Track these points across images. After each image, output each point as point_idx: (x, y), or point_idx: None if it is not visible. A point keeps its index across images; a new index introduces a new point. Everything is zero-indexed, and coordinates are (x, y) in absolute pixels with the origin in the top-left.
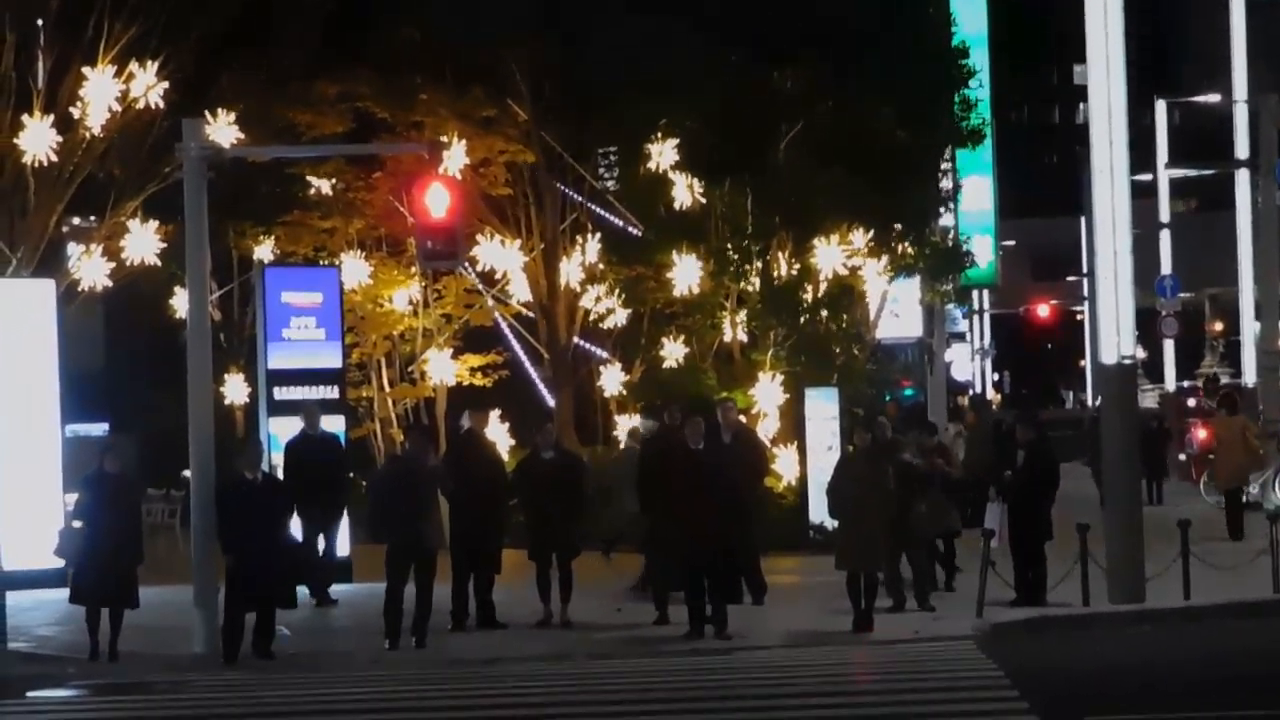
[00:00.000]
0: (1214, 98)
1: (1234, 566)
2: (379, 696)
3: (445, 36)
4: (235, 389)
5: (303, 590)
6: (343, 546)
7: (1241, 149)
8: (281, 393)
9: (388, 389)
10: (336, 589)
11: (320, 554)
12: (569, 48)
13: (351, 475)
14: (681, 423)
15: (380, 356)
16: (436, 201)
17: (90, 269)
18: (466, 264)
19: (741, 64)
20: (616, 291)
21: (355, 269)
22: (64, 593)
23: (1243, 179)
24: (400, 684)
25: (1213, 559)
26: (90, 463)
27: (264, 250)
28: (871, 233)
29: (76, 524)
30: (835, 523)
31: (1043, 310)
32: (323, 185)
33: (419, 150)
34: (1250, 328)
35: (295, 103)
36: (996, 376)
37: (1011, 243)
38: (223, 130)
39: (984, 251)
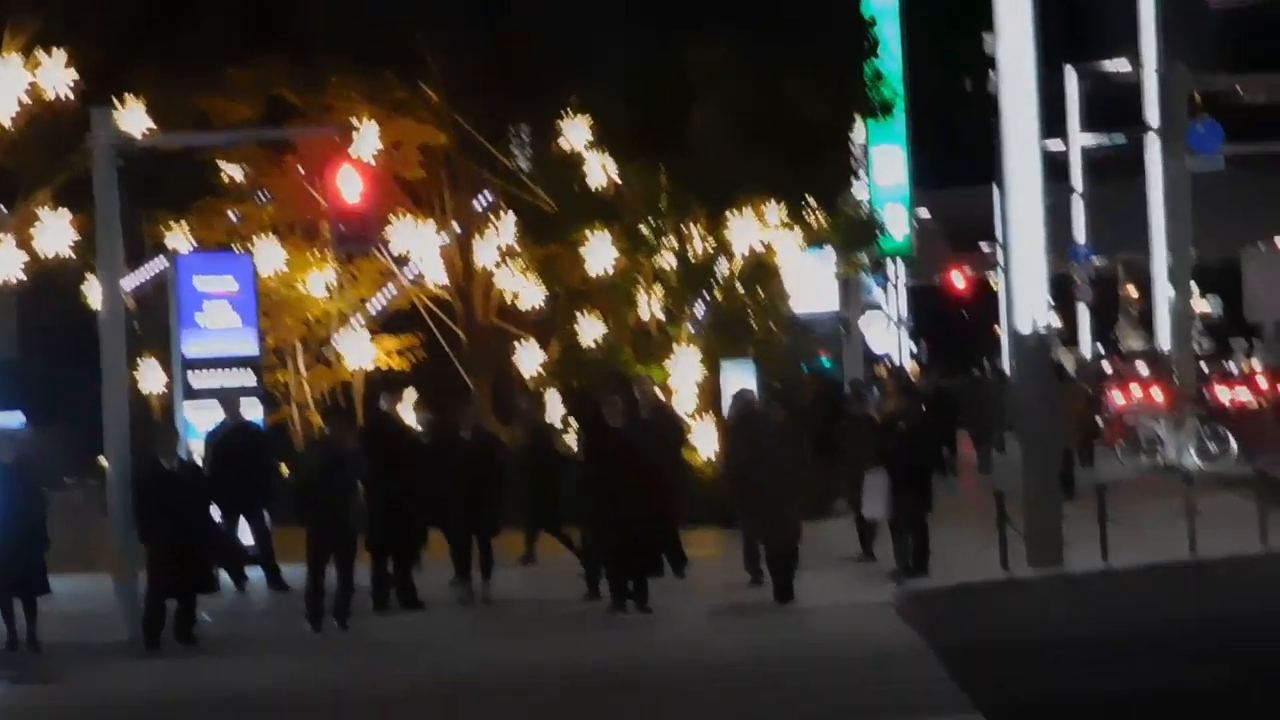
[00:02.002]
0: (1124, 64)
1: (1152, 528)
2: (302, 678)
3: (355, 14)
4: (151, 376)
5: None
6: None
7: (1152, 115)
8: (198, 379)
9: (305, 373)
10: (255, 573)
11: (255, 541)
12: (481, 25)
13: (272, 461)
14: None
15: (296, 341)
16: (349, 185)
17: (2, 260)
18: (381, 247)
19: (655, 38)
20: (532, 271)
21: (269, 254)
22: None
23: (1154, 144)
24: (323, 666)
25: (1130, 521)
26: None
27: (177, 238)
28: (785, 207)
29: None
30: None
31: (958, 280)
32: (235, 172)
33: (330, 134)
34: (1164, 293)
35: (206, 90)
36: (914, 347)
37: (926, 214)
38: (133, 118)
39: (898, 222)
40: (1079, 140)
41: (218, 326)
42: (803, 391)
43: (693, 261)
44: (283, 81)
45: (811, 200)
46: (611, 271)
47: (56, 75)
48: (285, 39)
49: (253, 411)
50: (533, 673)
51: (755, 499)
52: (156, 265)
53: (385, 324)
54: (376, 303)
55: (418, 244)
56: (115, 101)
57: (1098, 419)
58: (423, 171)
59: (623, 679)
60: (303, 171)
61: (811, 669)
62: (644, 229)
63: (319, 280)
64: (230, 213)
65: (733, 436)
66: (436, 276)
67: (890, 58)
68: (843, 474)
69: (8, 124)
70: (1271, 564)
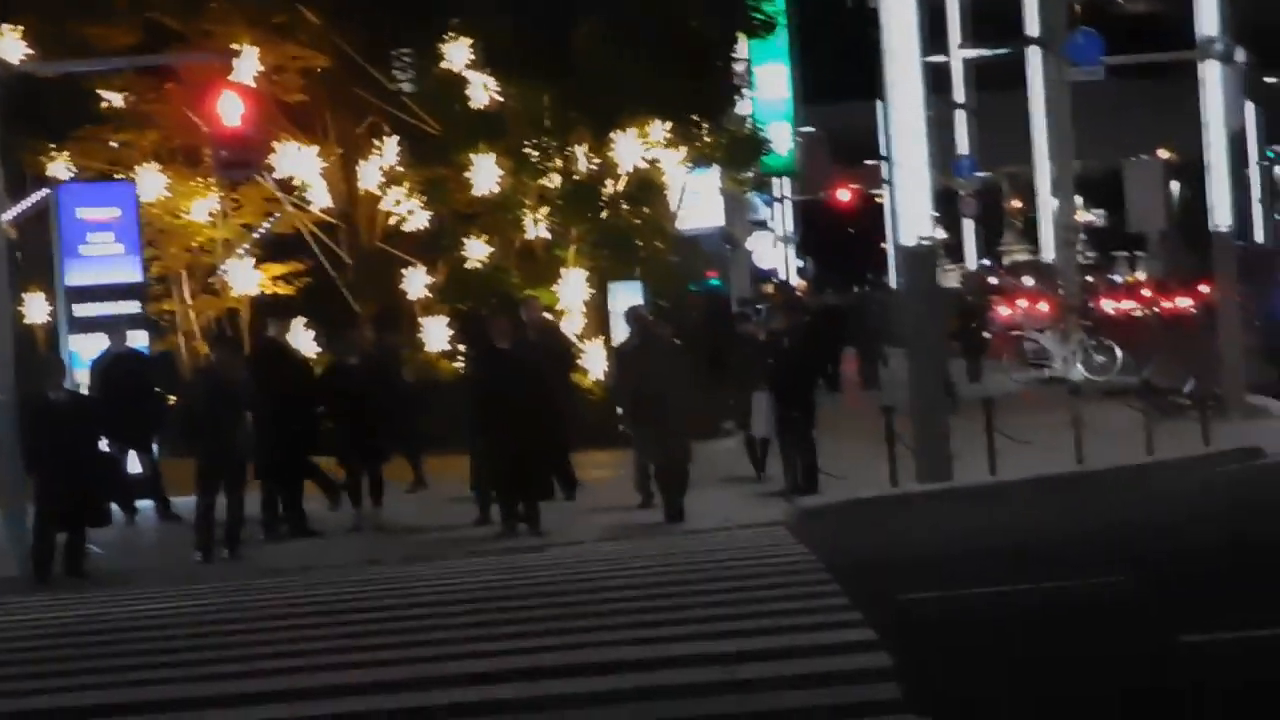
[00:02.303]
0: None
1: (1039, 441)
2: (194, 609)
3: None
4: (36, 307)
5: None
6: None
7: (1032, 26)
8: (82, 309)
9: (190, 301)
10: (145, 504)
11: (144, 471)
12: None
13: (159, 390)
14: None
15: (182, 269)
16: (230, 110)
17: None
18: (264, 172)
19: None
20: (417, 193)
21: (152, 182)
22: None
23: (1035, 56)
24: (214, 596)
25: (1017, 435)
26: None
27: (58, 167)
28: (670, 124)
29: None
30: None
31: (843, 195)
32: (115, 99)
33: (211, 59)
34: (1048, 204)
35: (85, 15)
36: (801, 263)
37: (811, 129)
38: (11, 46)
39: (782, 139)
40: (960, 53)
41: (101, 255)
42: (691, 310)
43: (578, 181)
44: (162, 6)
45: (696, 118)
46: (497, 192)
47: None
48: None
49: (139, 340)
50: (423, 594)
51: (646, 417)
52: (38, 195)
53: (270, 250)
54: (260, 228)
55: (301, 168)
56: None
57: (984, 333)
58: (305, 95)
59: (514, 600)
60: (184, 97)
61: (702, 586)
62: (529, 149)
63: (203, 207)
64: (112, 141)
65: (623, 354)
66: (321, 200)
67: None
68: (731, 393)
69: None
70: (1158, 473)
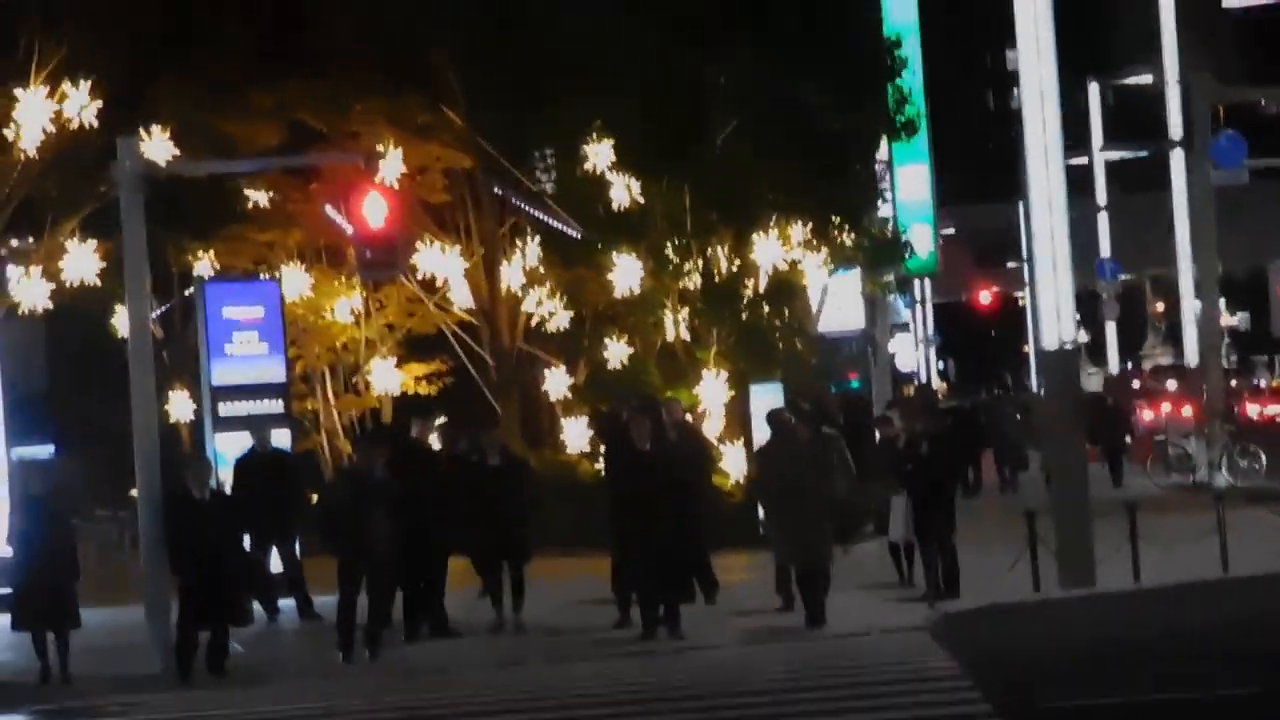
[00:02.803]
0: (1146, 78)
1: (1183, 546)
2: (334, 709)
3: (376, 35)
4: (180, 405)
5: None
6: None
7: (1175, 128)
8: (226, 408)
9: (333, 400)
10: (287, 603)
11: (286, 569)
12: (501, 41)
13: (302, 488)
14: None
15: (324, 368)
16: (374, 210)
17: (29, 291)
18: (407, 272)
19: (672, 51)
20: (558, 294)
21: (295, 281)
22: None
23: (1177, 158)
24: (355, 695)
25: (1161, 539)
26: (35, 485)
27: (203, 265)
28: (810, 225)
29: (7, 549)
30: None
31: (985, 297)
32: (260, 198)
33: (355, 159)
34: (1190, 307)
35: (229, 114)
36: (941, 365)
37: (952, 230)
38: (157, 146)
39: (924, 240)
40: (1102, 154)
41: (245, 354)
42: (831, 412)
43: (718, 281)
44: (305, 105)
45: (836, 219)
46: (637, 292)
47: (81, 103)
48: (306, 61)
49: (282, 439)
50: (566, 699)
51: (787, 519)
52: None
53: (412, 349)
54: (403, 328)
55: (443, 268)
56: (140, 129)
57: (1125, 436)
58: (447, 195)
59: (655, 705)
60: (328, 197)
61: (845, 693)
62: (669, 249)
63: (346, 306)
64: (256, 240)
65: (763, 456)
66: (463, 300)
67: (913, 75)
68: (871, 496)
69: (33, 153)
70: None
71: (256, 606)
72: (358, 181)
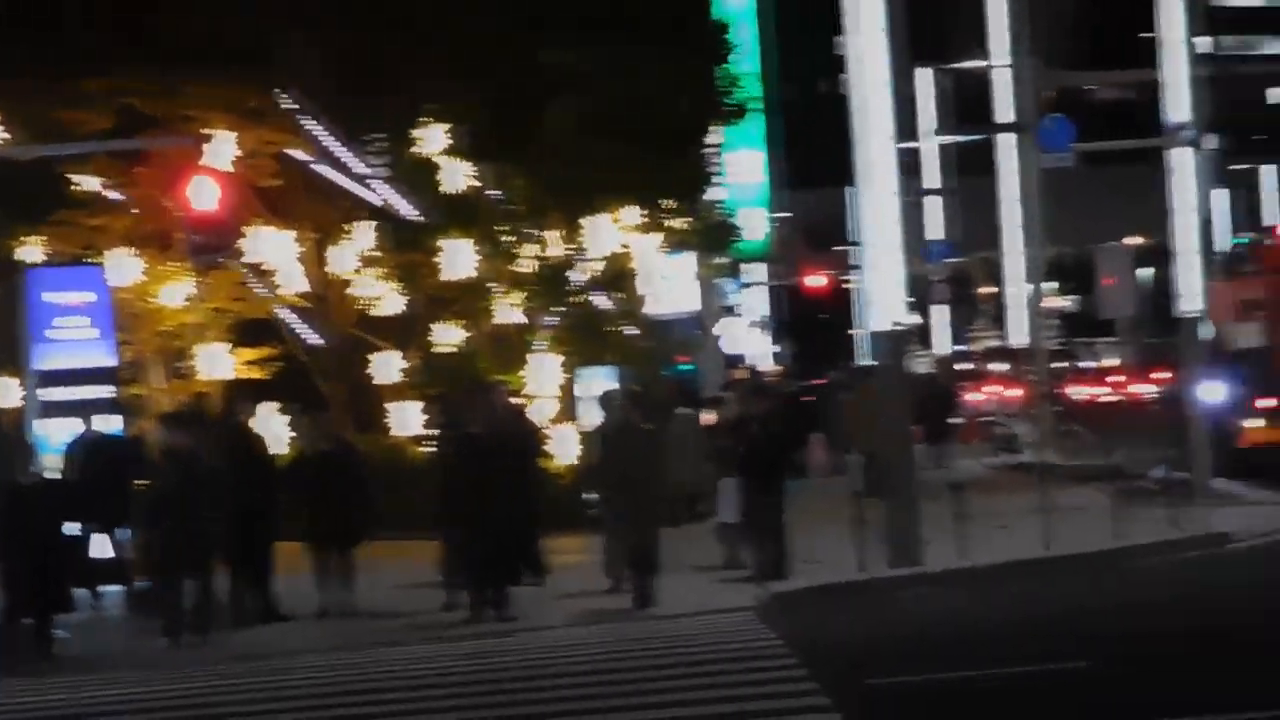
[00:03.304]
0: (977, 64)
1: (1008, 526)
2: (162, 694)
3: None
4: (7, 391)
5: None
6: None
7: (1004, 112)
8: (53, 394)
9: (163, 386)
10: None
11: (113, 555)
12: (335, 23)
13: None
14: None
15: (153, 353)
16: (204, 194)
17: None
18: (237, 256)
19: (507, 35)
20: (391, 278)
21: (125, 266)
22: None
23: (1007, 142)
24: (183, 681)
25: (986, 519)
26: None
27: (32, 251)
28: (644, 210)
29: None
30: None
31: (818, 280)
32: (90, 183)
33: (185, 144)
34: (1020, 290)
35: (61, 100)
36: (776, 349)
37: (786, 214)
38: None
39: (757, 224)
40: (933, 139)
41: (73, 339)
42: (663, 396)
43: (551, 265)
44: (136, 90)
45: (668, 203)
46: (470, 277)
47: None
48: (140, 47)
49: (113, 424)
50: (393, 681)
51: (619, 501)
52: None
53: (243, 334)
54: (232, 313)
55: (274, 253)
56: None
57: (950, 418)
58: (279, 180)
59: (484, 686)
60: (158, 181)
61: (672, 672)
62: (503, 234)
63: (176, 292)
64: (86, 225)
65: (598, 438)
66: (294, 285)
67: (746, 60)
68: (704, 478)
69: None
70: (1125, 557)
71: (83, 592)
72: (188, 165)
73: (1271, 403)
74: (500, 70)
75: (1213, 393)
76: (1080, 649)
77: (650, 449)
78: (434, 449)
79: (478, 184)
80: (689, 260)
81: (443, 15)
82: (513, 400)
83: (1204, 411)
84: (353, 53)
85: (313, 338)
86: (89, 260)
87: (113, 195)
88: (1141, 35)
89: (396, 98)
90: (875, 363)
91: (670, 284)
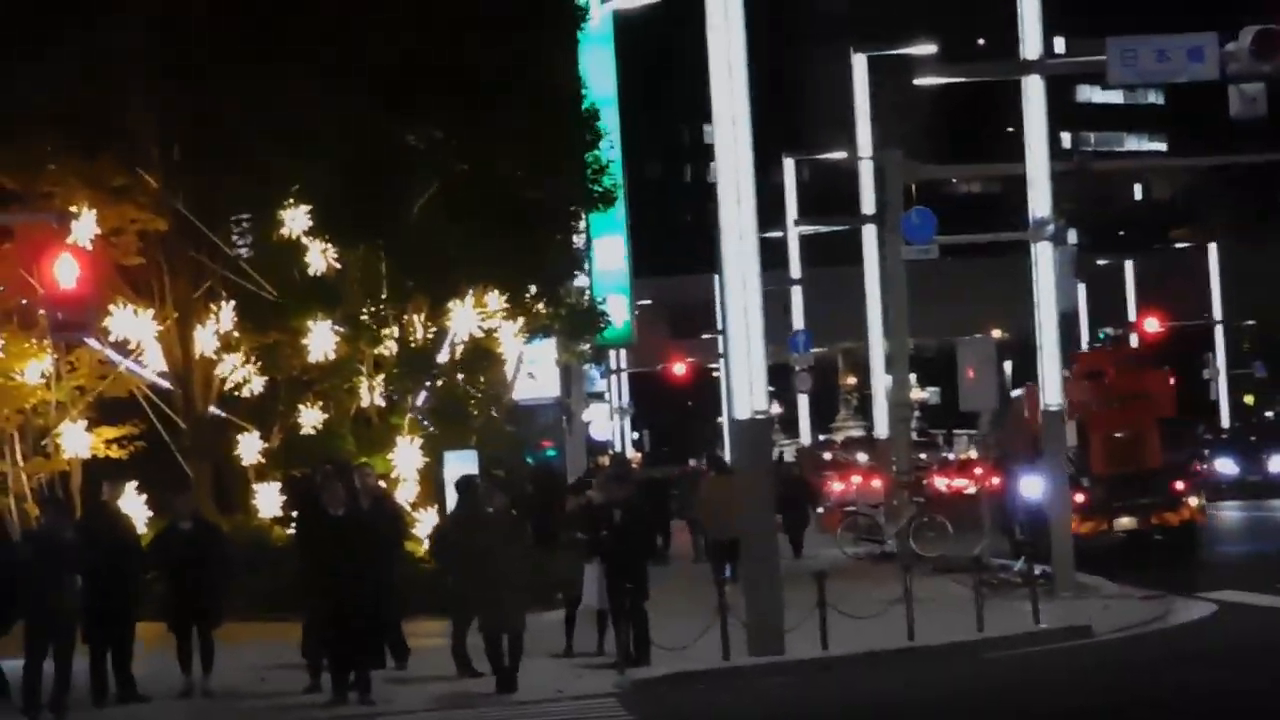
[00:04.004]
0: (840, 155)
1: (871, 615)
2: None
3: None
4: None
5: None
6: None
7: (868, 204)
8: None
9: (22, 463)
10: None
11: None
12: (198, 105)
13: None
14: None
15: (13, 430)
16: (66, 272)
17: None
18: (99, 335)
19: (368, 115)
20: (252, 359)
21: None
22: None
23: (870, 233)
24: None
25: (849, 608)
26: None
27: None
28: (507, 294)
29: None
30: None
31: (679, 368)
32: None
33: (47, 220)
34: (882, 381)
35: None
36: (636, 435)
37: (648, 302)
38: None
39: (619, 311)
40: (797, 229)
41: None
42: (525, 481)
43: (414, 348)
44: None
45: (532, 288)
46: (332, 358)
47: None
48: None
49: None
50: None
51: (471, 584)
52: None
53: (104, 412)
54: (94, 391)
55: (136, 331)
56: None
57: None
58: (142, 258)
59: None
60: (19, 257)
61: None
62: (365, 316)
63: (37, 369)
64: None
65: (451, 521)
66: (156, 364)
67: (611, 147)
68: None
69: None
70: (987, 648)
71: None
72: (50, 242)
73: (1080, 498)
74: (364, 151)
75: (1033, 487)
76: None
77: (505, 531)
78: (294, 530)
79: (340, 266)
80: (553, 346)
81: (307, 95)
82: (380, 483)
83: (1025, 504)
84: (209, 131)
85: (174, 417)
86: None
87: None
88: (1006, 130)
89: (252, 176)
90: (730, 451)
91: (534, 369)
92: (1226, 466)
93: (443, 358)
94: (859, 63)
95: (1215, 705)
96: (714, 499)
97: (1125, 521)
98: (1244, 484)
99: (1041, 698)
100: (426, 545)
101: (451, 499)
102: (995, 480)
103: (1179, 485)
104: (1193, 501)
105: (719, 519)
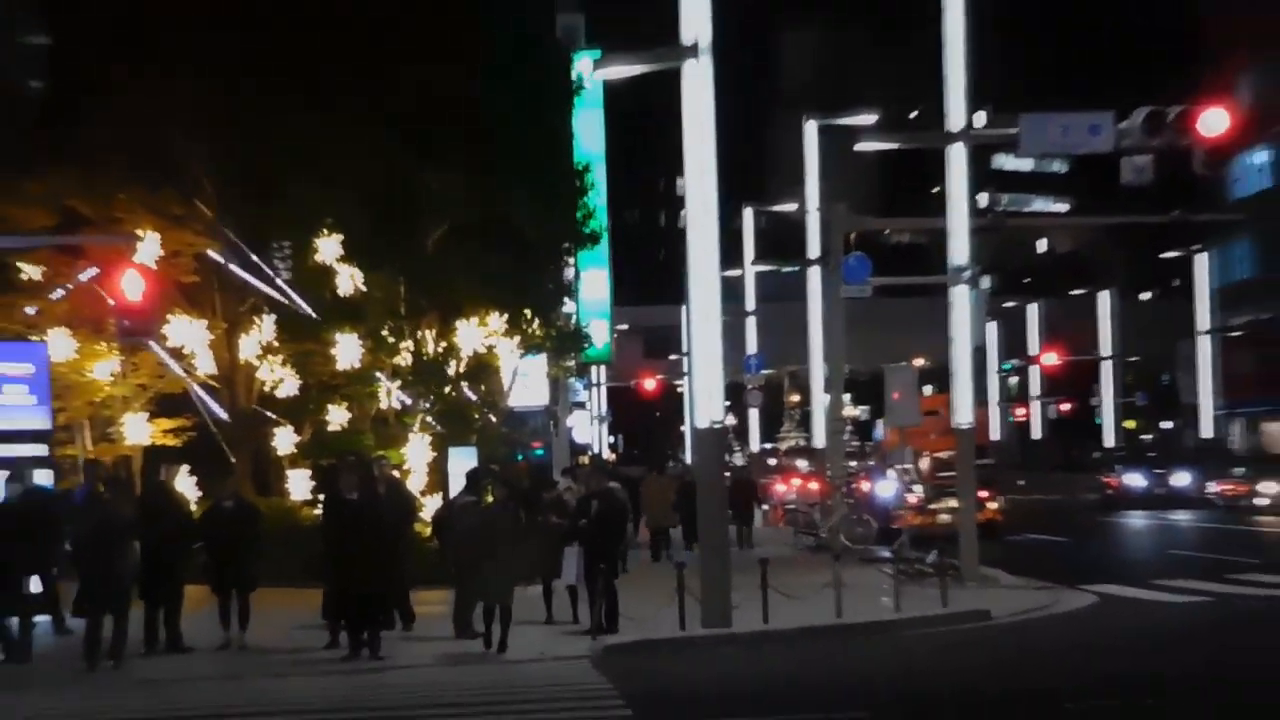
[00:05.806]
0: (792, 206)
1: (806, 596)
2: (79, 709)
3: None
4: None
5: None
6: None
7: (814, 249)
8: None
9: (91, 449)
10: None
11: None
12: (245, 144)
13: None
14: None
15: (84, 420)
16: (133, 286)
17: None
18: (158, 340)
19: (394, 159)
20: (288, 364)
21: (61, 344)
22: None
23: (814, 274)
24: (97, 699)
25: (787, 590)
26: None
27: None
28: (506, 316)
29: None
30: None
31: (650, 384)
32: (34, 271)
33: (118, 242)
34: (820, 399)
35: (9, 198)
36: (612, 439)
37: (625, 326)
38: None
39: (600, 334)
40: (753, 268)
41: (14, 404)
42: (517, 475)
43: (426, 360)
44: (75, 193)
45: (528, 312)
46: (357, 367)
47: None
48: (77, 156)
49: (44, 479)
50: (281, 705)
51: (470, 562)
52: None
53: (161, 406)
54: (153, 389)
55: (190, 339)
56: None
57: (753, 504)
58: (197, 276)
59: (358, 715)
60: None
61: (518, 707)
62: (385, 331)
63: (104, 368)
64: (28, 308)
65: (453, 506)
66: (206, 367)
67: (598, 194)
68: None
69: None
70: (903, 627)
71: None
72: (119, 261)
73: (913, 500)
74: (390, 189)
75: (885, 489)
76: (863, 701)
77: (500, 517)
78: (320, 511)
79: (365, 289)
80: (543, 361)
81: (335, 139)
82: (394, 472)
83: (877, 501)
84: (255, 170)
85: (220, 412)
86: (30, 338)
87: (53, 283)
88: (933, 190)
89: (291, 210)
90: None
91: (527, 380)
92: (1135, 480)
93: (450, 369)
94: (810, 129)
95: (1084, 667)
96: (651, 495)
97: (944, 518)
98: (1151, 496)
99: (945, 664)
100: (431, 527)
101: (455, 488)
102: (866, 485)
103: (983, 493)
104: (992, 505)
105: (654, 511)
